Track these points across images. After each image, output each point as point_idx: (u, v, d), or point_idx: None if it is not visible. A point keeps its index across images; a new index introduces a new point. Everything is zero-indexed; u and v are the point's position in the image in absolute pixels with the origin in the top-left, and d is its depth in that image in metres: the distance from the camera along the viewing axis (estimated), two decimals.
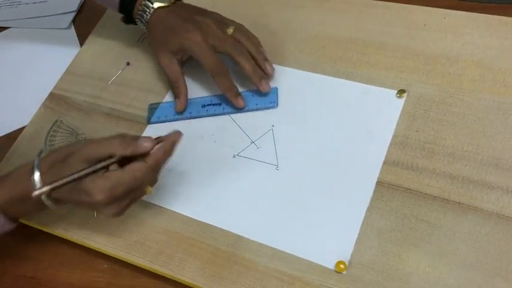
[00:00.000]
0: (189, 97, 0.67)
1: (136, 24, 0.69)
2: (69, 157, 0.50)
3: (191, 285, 0.54)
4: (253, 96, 0.63)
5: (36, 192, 0.48)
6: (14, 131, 0.74)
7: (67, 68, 0.78)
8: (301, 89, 0.64)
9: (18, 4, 0.92)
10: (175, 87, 0.66)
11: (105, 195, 0.49)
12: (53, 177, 0.49)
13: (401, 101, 0.60)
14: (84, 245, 0.60)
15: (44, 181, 0.49)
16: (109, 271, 0.59)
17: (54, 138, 0.70)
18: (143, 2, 0.66)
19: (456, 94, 0.59)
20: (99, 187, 0.49)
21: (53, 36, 0.86)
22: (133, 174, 0.49)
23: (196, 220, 0.58)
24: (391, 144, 0.57)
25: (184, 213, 0.59)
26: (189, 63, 0.68)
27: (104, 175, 0.49)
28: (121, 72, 0.74)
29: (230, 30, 0.63)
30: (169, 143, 0.51)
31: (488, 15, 0.64)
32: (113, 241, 0.59)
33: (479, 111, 0.57)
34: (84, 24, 0.85)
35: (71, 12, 0.88)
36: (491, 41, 0.61)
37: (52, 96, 0.75)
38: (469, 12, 0.65)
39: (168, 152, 0.51)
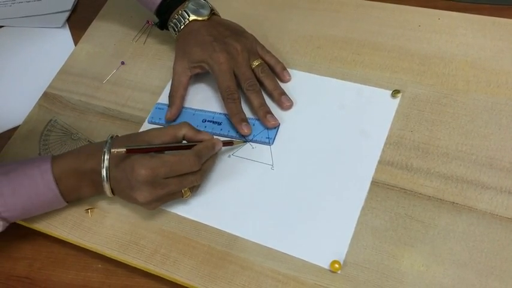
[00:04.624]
0: (193, 107, 0.67)
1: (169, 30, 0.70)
2: (138, 137, 0.56)
3: (186, 285, 0.54)
4: (253, 125, 0.62)
5: (115, 151, 0.51)
6: (8, 130, 0.74)
7: (61, 67, 0.77)
8: (296, 89, 0.64)
9: (12, 3, 0.92)
10: (172, 96, 0.66)
11: (147, 172, 0.52)
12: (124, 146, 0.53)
13: (396, 101, 0.60)
14: (78, 245, 0.60)
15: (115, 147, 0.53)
16: (103, 271, 0.59)
17: (48, 138, 0.70)
18: (180, 12, 0.66)
19: (450, 94, 0.59)
20: (144, 163, 0.52)
21: (47, 36, 0.85)
22: (178, 157, 0.53)
23: (191, 220, 0.58)
24: (385, 144, 0.57)
25: (179, 213, 0.58)
26: (206, 74, 0.67)
27: (152, 154, 0.53)
28: (116, 71, 0.74)
29: (255, 63, 0.64)
30: (212, 141, 0.57)
31: (482, 16, 0.64)
32: (108, 241, 0.59)
33: (473, 111, 0.57)
34: (78, 23, 0.85)
35: (65, 11, 0.88)
36: (485, 42, 0.62)
37: (46, 95, 0.75)
38: (463, 13, 0.65)
39: (210, 148, 0.57)
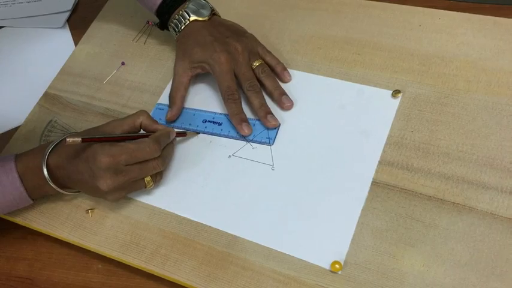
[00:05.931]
0: (194, 108, 0.67)
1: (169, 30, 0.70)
2: (99, 128, 0.58)
3: (187, 286, 0.54)
4: (254, 126, 0.62)
5: (71, 139, 0.53)
6: (8, 130, 0.74)
7: (62, 68, 0.77)
8: (296, 89, 0.64)
9: (12, 3, 0.92)
10: (172, 97, 0.66)
11: (109, 159, 0.53)
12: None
13: (396, 101, 0.60)
14: (79, 245, 0.60)
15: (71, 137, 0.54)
16: (104, 271, 0.59)
17: (48, 138, 0.70)
18: (180, 12, 0.67)
19: (451, 94, 0.59)
20: (105, 151, 0.53)
21: (47, 36, 0.85)
22: (137, 144, 0.55)
23: (192, 220, 0.58)
24: (386, 144, 0.57)
25: (180, 214, 0.58)
26: (206, 75, 0.67)
27: (112, 143, 0.55)
28: (116, 72, 0.74)
29: (255, 64, 0.64)
30: (167, 129, 0.59)
31: (483, 15, 0.64)
32: (108, 241, 0.59)
33: (473, 111, 0.57)
34: (78, 23, 0.85)
35: (65, 11, 0.88)
36: (485, 42, 0.62)
37: (47, 95, 0.75)
38: (463, 13, 0.65)
39: (166, 135, 0.58)
